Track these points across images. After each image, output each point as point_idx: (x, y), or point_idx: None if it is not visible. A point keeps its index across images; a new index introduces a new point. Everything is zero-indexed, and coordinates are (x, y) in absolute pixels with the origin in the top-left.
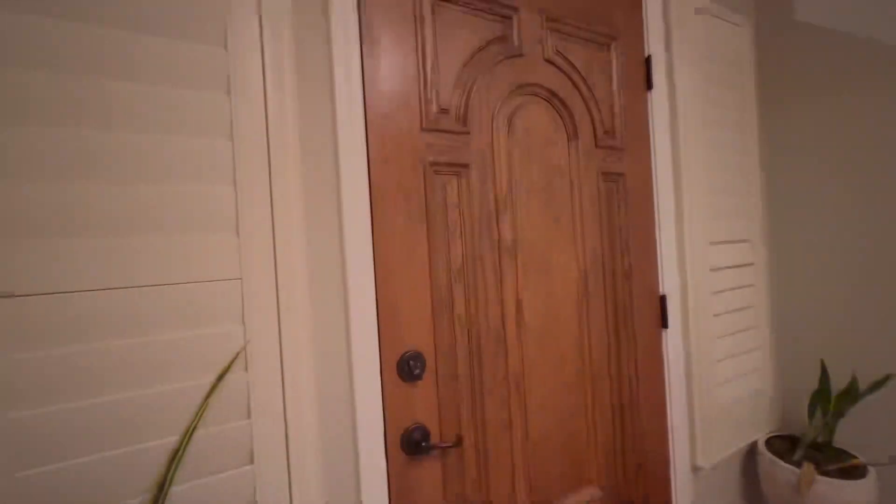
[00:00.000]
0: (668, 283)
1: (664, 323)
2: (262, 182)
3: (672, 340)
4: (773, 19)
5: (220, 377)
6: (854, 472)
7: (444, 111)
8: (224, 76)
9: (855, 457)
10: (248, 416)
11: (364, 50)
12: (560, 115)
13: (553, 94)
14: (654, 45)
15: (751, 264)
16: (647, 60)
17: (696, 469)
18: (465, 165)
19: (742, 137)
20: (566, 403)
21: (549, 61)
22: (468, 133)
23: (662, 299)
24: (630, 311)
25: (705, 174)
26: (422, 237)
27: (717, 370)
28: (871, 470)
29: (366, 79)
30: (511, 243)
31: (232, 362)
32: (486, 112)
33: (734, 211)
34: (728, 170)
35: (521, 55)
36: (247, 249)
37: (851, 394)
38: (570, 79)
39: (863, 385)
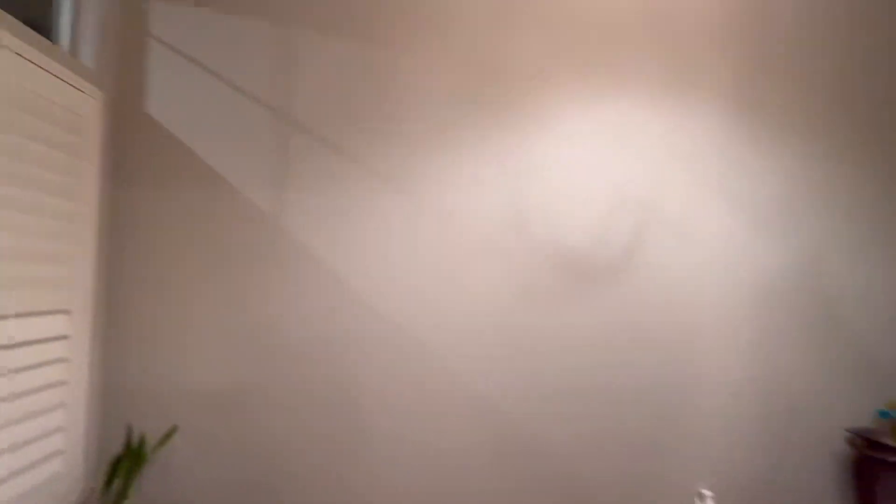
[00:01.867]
0: None
1: None
2: None
3: None
4: (128, 108)
5: None
6: None
7: None
8: None
9: None
10: None
11: None
12: None
13: None
14: None
15: (66, 337)
16: None
17: None
18: None
19: (76, 205)
20: None
21: None
22: None
23: None
24: None
25: (14, 238)
26: None
27: None
28: None
29: None
30: None
31: None
32: None
33: (54, 280)
34: (50, 237)
35: None
36: None
37: (142, 452)
38: None
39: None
